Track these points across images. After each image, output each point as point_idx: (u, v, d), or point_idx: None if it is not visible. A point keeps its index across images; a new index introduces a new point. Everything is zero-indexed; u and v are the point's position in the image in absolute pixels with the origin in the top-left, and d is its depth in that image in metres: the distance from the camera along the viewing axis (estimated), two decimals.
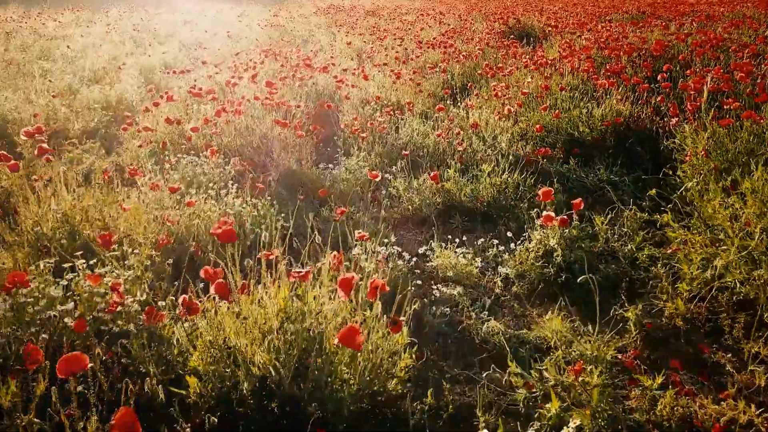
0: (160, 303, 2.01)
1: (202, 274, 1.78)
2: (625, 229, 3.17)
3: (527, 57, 6.89)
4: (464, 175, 3.81)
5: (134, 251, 2.27)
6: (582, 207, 2.85)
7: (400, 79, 5.87)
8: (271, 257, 1.82)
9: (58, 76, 7.07)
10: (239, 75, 5.65)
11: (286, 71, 6.25)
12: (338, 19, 16.55)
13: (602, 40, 6.83)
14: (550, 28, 9.12)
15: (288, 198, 3.52)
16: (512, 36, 9.25)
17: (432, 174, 3.42)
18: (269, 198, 3.18)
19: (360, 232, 2.35)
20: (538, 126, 4.39)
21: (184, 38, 12.24)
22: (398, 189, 3.59)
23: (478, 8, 17.38)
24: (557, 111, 4.46)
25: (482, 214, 3.48)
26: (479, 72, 6.49)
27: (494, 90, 5.62)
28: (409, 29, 12.86)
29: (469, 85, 6.20)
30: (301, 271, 1.75)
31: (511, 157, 4.11)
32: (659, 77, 4.87)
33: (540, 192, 2.90)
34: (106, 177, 3.04)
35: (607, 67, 5.45)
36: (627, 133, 4.46)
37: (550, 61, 6.33)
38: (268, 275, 1.82)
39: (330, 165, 3.96)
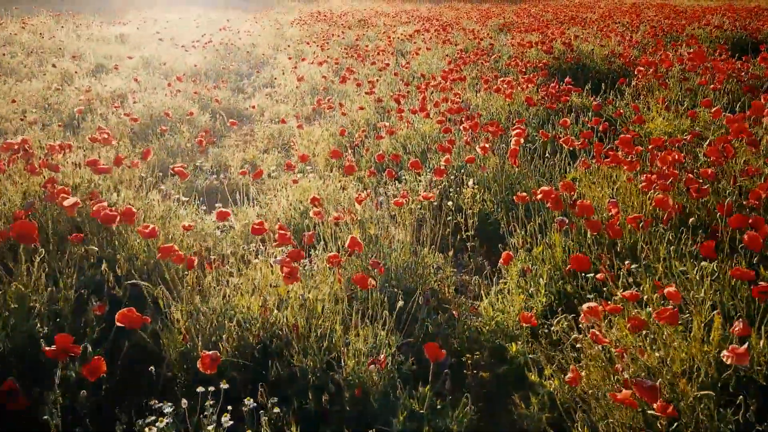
0: None
1: None
2: None
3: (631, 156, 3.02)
4: None
5: None
6: None
7: (291, 276, 2.04)
8: None
9: None
10: None
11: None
12: (315, 31, 12.76)
13: None
14: (632, 67, 5.21)
15: None
16: (559, 74, 5.37)
17: None
18: None
19: None
20: None
21: (79, 66, 8.42)
22: None
23: (495, 17, 13.46)
24: None
25: None
26: (516, 196, 2.63)
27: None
28: (399, 50, 9.03)
29: (497, 266, 2.33)
30: None
31: None
32: None
33: None
34: None
35: None
36: None
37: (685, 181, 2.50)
38: None
39: None
